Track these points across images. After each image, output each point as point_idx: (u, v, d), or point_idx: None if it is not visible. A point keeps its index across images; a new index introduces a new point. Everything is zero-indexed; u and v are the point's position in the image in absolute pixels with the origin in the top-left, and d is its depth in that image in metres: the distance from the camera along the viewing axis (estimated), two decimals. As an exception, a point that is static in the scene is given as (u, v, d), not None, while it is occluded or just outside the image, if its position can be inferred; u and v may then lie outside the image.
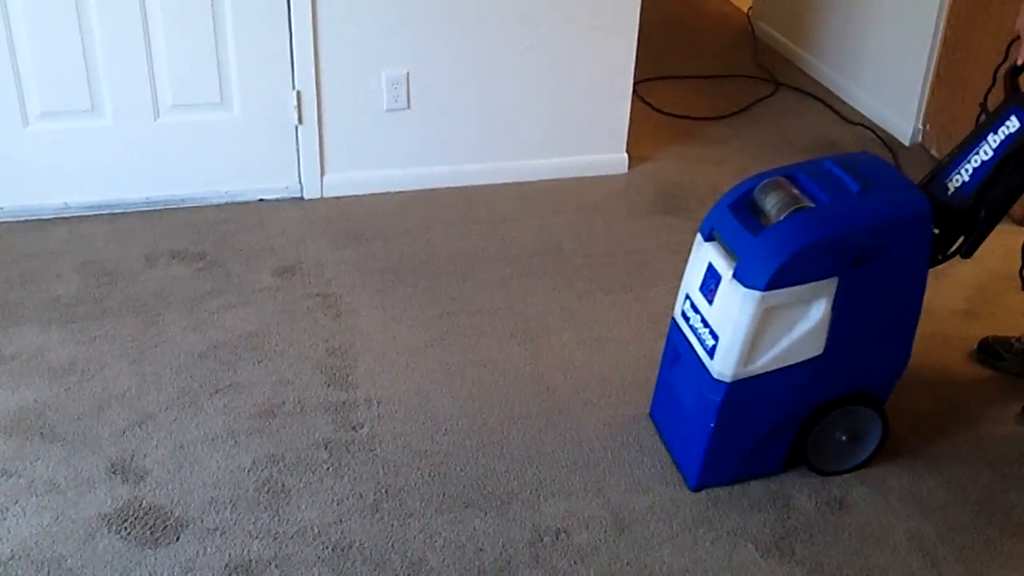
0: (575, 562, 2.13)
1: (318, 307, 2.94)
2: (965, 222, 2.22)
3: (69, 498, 2.24)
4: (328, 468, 2.35)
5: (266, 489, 2.28)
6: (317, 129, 3.45)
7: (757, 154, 4.02)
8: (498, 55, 3.50)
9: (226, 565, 2.08)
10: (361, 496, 2.27)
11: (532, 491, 2.31)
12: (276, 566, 2.09)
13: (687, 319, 2.27)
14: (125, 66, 3.22)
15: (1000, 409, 2.63)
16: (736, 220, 2.13)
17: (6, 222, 3.32)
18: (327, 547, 2.14)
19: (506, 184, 3.69)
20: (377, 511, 2.24)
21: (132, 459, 2.35)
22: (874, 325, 2.20)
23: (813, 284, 2.05)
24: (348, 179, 3.57)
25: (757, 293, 2.02)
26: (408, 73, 3.44)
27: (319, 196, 3.55)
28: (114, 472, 2.31)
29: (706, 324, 2.17)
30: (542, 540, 2.18)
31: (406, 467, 2.36)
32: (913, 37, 4.07)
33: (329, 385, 2.61)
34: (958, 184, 2.22)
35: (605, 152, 3.80)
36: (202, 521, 2.19)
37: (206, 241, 3.25)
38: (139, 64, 3.22)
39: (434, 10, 3.37)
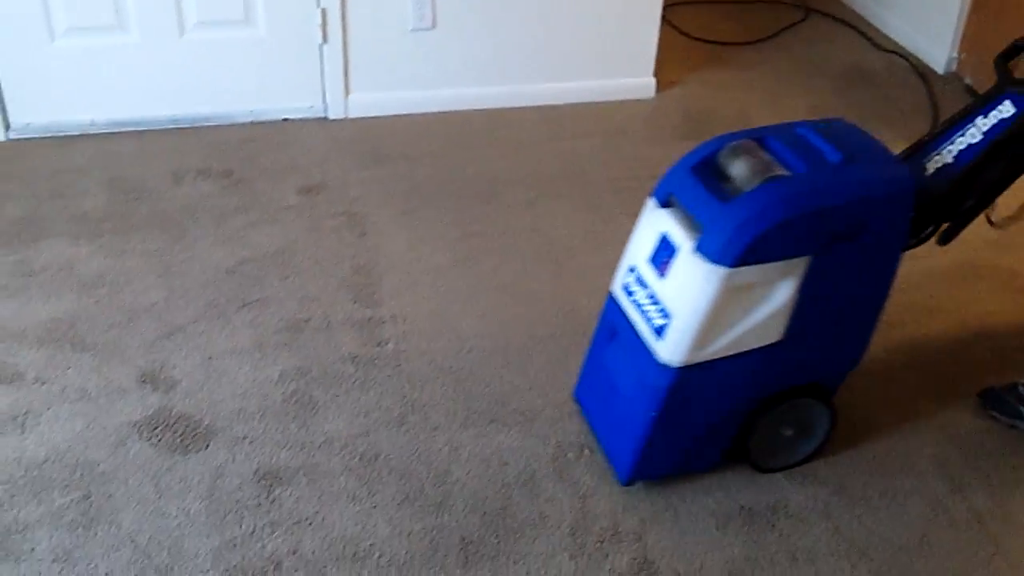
0: (598, 477, 2.15)
1: (343, 226, 2.94)
2: (945, 208, 2.04)
3: (100, 405, 2.27)
4: (354, 382, 2.37)
5: (293, 400, 2.30)
6: (342, 48, 3.42)
7: (786, 80, 3.97)
8: (526, -25, 3.46)
9: (255, 472, 2.12)
10: (387, 409, 2.30)
11: (555, 409, 2.32)
12: (304, 474, 2.12)
13: (630, 294, 2.03)
14: (151, -19, 3.20)
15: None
16: (701, 185, 1.88)
17: (33, 138, 3.33)
18: (354, 457, 2.17)
19: (531, 107, 3.66)
20: (403, 424, 2.26)
21: (161, 369, 2.38)
22: (838, 312, 2.00)
23: (783, 263, 1.83)
24: (372, 100, 3.54)
25: (722, 270, 1.79)
26: (435, -9, 3.41)
27: (343, 116, 3.54)
28: (144, 381, 2.34)
29: (655, 301, 1.94)
30: (566, 455, 2.20)
31: (431, 383, 2.38)
32: (949, -38, 3.99)
33: (355, 302, 2.63)
34: (940, 165, 2.03)
35: (632, 76, 3.76)
36: (231, 430, 2.22)
37: (232, 159, 3.25)
38: (165, -21, 3.20)
39: (462, -73, 3.33)
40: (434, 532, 2.01)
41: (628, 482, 2.11)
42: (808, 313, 1.92)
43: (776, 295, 1.88)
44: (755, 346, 1.93)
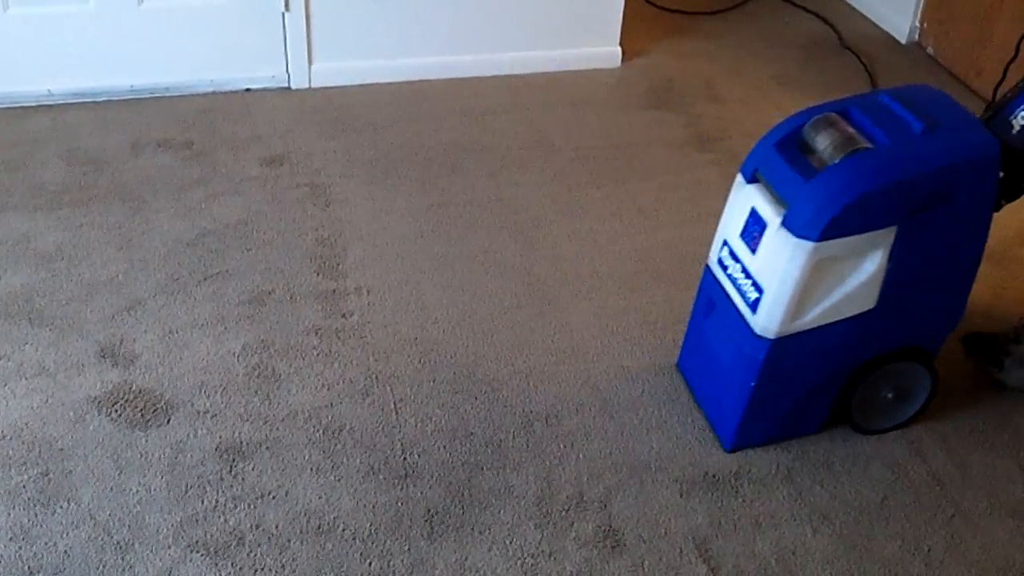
0: (564, 446, 2.15)
1: (307, 197, 2.91)
2: None
3: (59, 381, 2.24)
4: (318, 354, 2.35)
5: (256, 374, 2.28)
6: (305, 17, 3.37)
7: (751, 50, 3.96)
8: (490, -58, 3.42)
9: (217, 447, 2.10)
10: (351, 382, 2.28)
11: (522, 378, 2.32)
12: (267, 448, 2.10)
13: (725, 268, 2.09)
14: (106, -52, 3.13)
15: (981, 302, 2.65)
16: (784, 161, 1.93)
17: (-13, 109, 3.27)
18: (318, 430, 2.15)
19: (496, 77, 3.63)
20: (367, 396, 2.24)
21: (121, 343, 2.35)
22: (931, 277, 2.03)
23: (870, 234, 1.88)
24: (336, 69, 3.50)
25: (809, 244, 1.84)
26: (397, -41, 3.37)
27: (307, 86, 3.49)
28: (103, 356, 2.31)
29: (748, 275, 2.00)
30: (532, 425, 2.20)
31: (396, 354, 2.36)
32: (913, -70, 3.98)
33: (319, 274, 2.60)
34: None
35: (598, 46, 3.73)
36: (192, 404, 2.20)
37: (192, 130, 3.20)
38: (121, -54, 3.14)
39: None
40: (399, 504, 2.00)
41: (733, 449, 2.17)
42: (900, 280, 1.97)
43: (866, 265, 1.93)
44: (848, 315, 1.98)
